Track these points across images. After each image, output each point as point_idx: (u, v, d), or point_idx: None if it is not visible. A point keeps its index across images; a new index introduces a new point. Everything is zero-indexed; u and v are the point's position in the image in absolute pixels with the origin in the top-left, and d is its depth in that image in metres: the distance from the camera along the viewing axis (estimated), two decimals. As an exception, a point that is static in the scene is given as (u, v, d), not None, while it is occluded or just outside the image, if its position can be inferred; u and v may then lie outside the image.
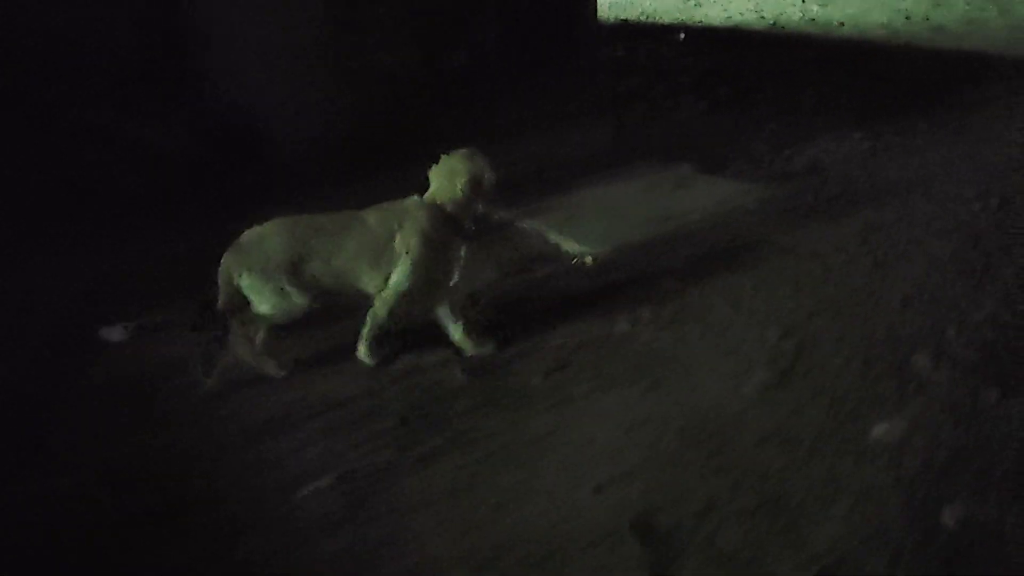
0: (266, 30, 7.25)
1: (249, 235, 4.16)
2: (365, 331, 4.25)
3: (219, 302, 4.14)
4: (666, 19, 14.02)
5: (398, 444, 3.77)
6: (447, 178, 4.13)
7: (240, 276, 4.10)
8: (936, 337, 4.33)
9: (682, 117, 8.44)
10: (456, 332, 4.35)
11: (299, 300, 4.16)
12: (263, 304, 4.14)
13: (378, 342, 4.30)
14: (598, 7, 9.72)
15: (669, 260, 5.33)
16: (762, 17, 13.64)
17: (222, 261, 4.14)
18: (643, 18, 14.12)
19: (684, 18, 14.04)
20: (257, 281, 4.08)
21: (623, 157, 7.28)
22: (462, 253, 4.27)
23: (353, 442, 3.80)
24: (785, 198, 6.22)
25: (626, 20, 13.49)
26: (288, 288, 4.11)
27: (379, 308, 4.20)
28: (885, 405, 3.84)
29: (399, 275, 4.13)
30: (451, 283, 4.28)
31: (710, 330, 4.48)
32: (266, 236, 4.14)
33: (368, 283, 4.17)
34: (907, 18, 12.66)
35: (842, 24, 12.51)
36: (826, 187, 6.40)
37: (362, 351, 4.28)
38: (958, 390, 3.91)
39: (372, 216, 4.19)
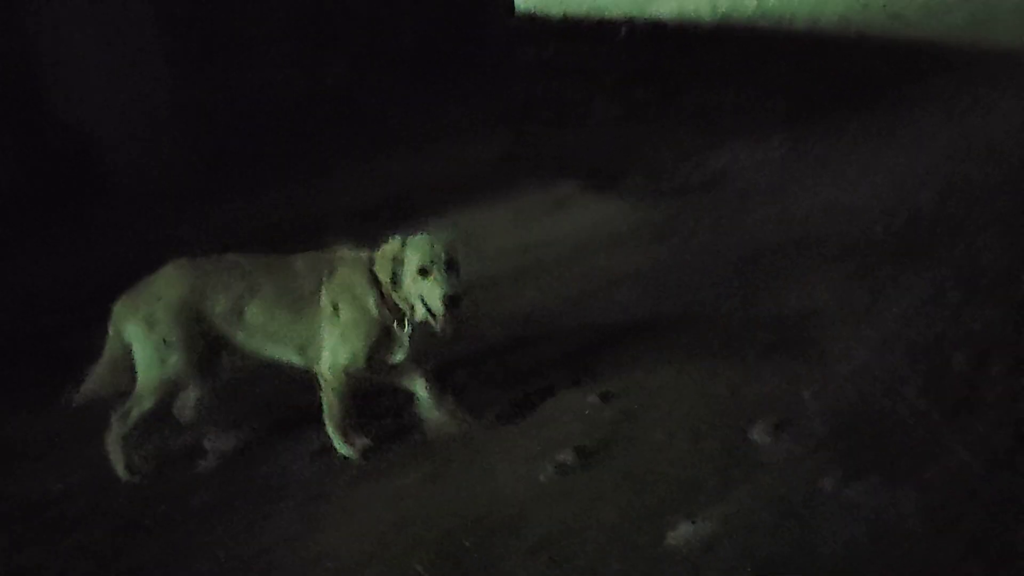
0: (124, 49, 6.58)
1: (148, 278, 3.49)
2: (329, 427, 3.49)
3: (101, 359, 3.50)
4: (615, 13, 13.26)
5: (101, 558, 3.11)
6: (385, 260, 3.39)
7: (126, 328, 3.42)
8: (787, 400, 3.62)
9: (592, 123, 7.72)
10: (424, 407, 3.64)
11: (178, 362, 3.39)
12: (142, 367, 3.41)
13: (349, 429, 3.52)
14: (516, 5, 9.01)
15: (506, 305, 4.63)
16: (715, 9, 12.86)
17: (113, 309, 3.47)
18: (590, 13, 13.36)
19: (635, 12, 13.27)
20: (141, 332, 3.38)
21: (509, 173, 6.58)
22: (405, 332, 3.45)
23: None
24: (665, 221, 5.51)
25: (565, 16, 12.70)
26: (172, 340, 3.36)
27: (327, 395, 3.45)
28: (701, 494, 3.15)
29: (331, 346, 3.39)
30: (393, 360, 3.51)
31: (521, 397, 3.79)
32: (162, 275, 3.46)
33: (284, 338, 3.44)
34: (864, 6, 11.86)
35: (792, 16, 11.73)
36: (717, 206, 5.69)
37: (341, 448, 3.50)
38: (794, 473, 3.22)
39: (300, 261, 3.48)
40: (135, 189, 6.29)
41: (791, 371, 3.83)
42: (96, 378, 3.51)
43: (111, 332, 3.48)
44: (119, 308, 3.45)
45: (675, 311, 4.45)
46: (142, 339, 3.39)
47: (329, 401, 3.43)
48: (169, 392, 3.50)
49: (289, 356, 3.48)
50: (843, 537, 2.88)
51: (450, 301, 3.20)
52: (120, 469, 3.45)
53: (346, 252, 3.50)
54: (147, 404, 3.43)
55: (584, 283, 4.80)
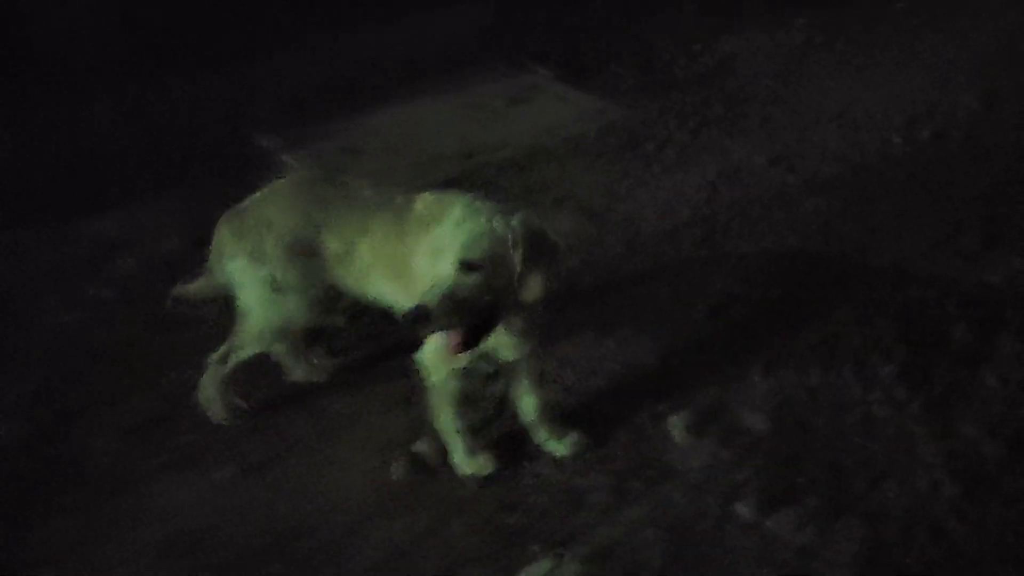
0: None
1: (257, 195, 2.74)
2: (452, 441, 2.62)
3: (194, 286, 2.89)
4: None
5: None
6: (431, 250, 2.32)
7: (227, 258, 2.70)
8: (726, 383, 2.87)
9: (587, -2, 6.61)
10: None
11: (291, 305, 2.69)
12: (246, 307, 2.74)
13: (475, 434, 2.67)
14: None
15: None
16: None
17: (217, 227, 2.74)
18: None
19: None
20: (246, 266, 2.66)
21: (482, 52, 5.62)
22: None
23: None
24: (642, 124, 4.59)
25: None
26: (286, 280, 2.63)
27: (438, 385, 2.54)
28: (582, 512, 2.47)
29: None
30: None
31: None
32: (273, 197, 2.69)
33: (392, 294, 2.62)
34: None
35: None
36: (710, 106, 4.73)
37: (464, 465, 2.62)
38: (708, 488, 2.51)
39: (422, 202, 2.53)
40: (50, 62, 5.54)
41: (741, 344, 3.05)
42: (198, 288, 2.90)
43: (213, 253, 2.76)
44: (223, 230, 2.70)
45: (618, 246, 3.65)
46: (248, 275, 2.67)
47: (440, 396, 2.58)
48: (278, 339, 2.83)
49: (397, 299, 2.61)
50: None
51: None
52: (217, 412, 2.86)
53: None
54: (249, 352, 2.78)
55: (522, 203, 3.98)
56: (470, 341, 2.17)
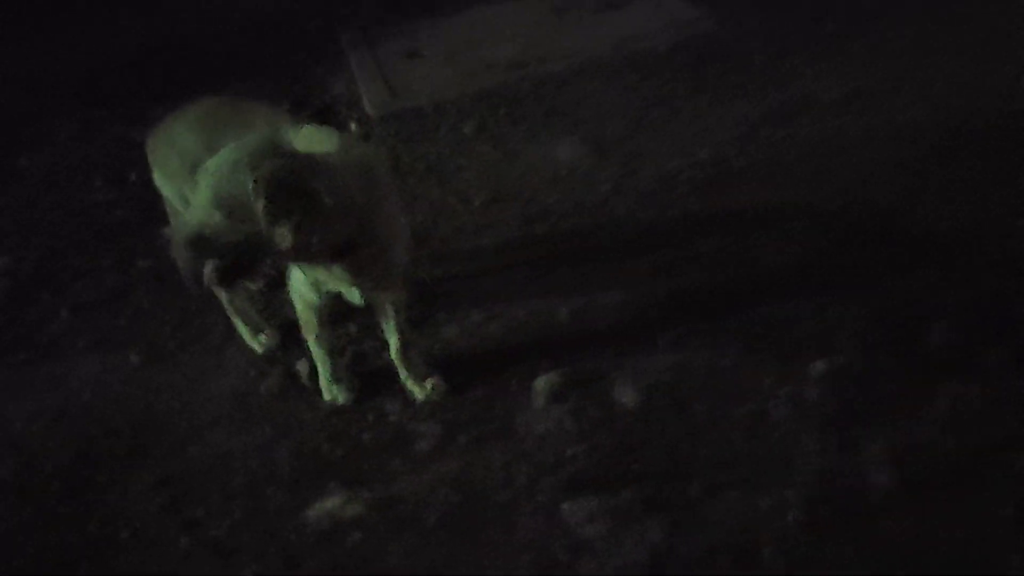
0: None
1: (179, 111, 2.76)
2: (320, 365, 2.67)
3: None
4: None
5: None
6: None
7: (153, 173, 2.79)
8: (611, 353, 2.64)
9: None
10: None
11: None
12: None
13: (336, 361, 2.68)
14: None
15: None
16: None
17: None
18: None
19: None
20: (159, 177, 2.76)
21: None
22: None
23: None
24: (726, 43, 4.10)
25: None
26: (190, 197, 2.55)
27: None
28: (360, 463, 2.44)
29: None
30: None
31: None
32: (184, 115, 2.71)
33: None
34: None
35: None
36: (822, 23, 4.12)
37: (324, 391, 2.67)
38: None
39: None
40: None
41: (668, 309, 2.76)
42: None
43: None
44: (147, 146, 2.78)
45: (605, 185, 3.37)
46: (164, 190, 2.76)
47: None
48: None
49: None
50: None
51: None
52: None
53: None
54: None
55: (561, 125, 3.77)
56: (226, 276, 2.12)
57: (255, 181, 1.98)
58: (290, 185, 2.01)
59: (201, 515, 2.37)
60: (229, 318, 2.89)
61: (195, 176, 2.41)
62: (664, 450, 2.34)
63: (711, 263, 2.91)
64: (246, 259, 2.09)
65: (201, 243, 2.04)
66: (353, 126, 4.00)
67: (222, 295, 2.81)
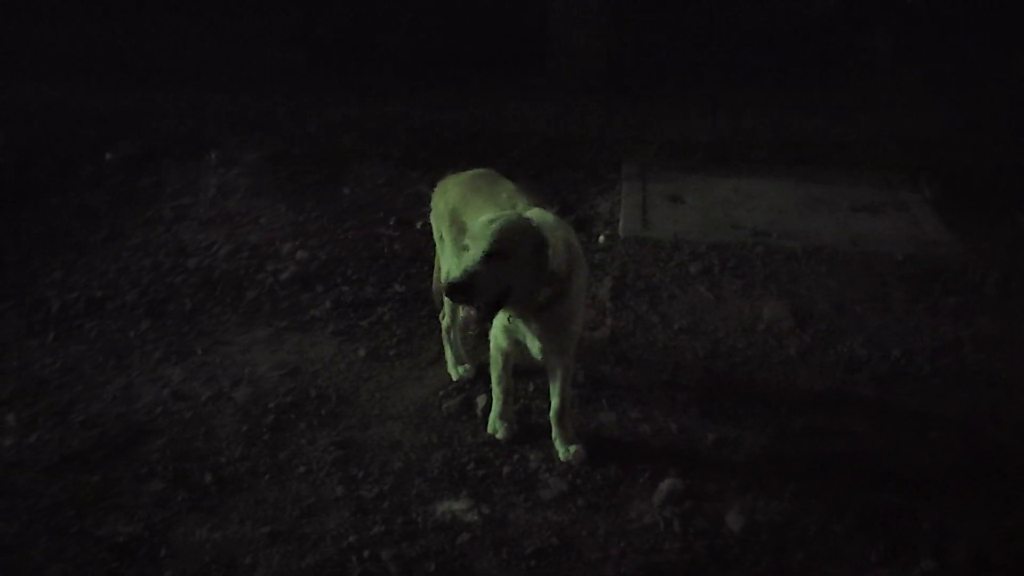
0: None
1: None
2: (495, 401, 3.13)
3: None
4: None
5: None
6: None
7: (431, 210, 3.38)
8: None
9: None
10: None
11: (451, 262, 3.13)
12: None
13: (508, 404, 3.15)
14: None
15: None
16: None
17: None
18: None
19: None
20: (433, 221, 3.36)
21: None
22: None
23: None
24: (963, 269, 4.22)
25: None
26: (445, 238, 3.25)
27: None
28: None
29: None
30: None
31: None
32: (458, 178, 3.32)
33: None
34: None
35: None
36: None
37: (490, 423, 3.15)
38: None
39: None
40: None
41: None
42: None
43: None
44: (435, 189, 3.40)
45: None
46: (434, 226, 3.37)
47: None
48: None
49: None
50: None
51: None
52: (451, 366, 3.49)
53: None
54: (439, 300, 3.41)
55: (775, 290, 4.11)
56: (484, 318, 2.65)
57: (518, 235, 2.56)
58: (538, 242, 2.58)
59: (360, 476, 2.92)
60: (443, 345, 3.48)
61: (449, 218, 3.11)
62: (749, 577, 2.53)
63: (857, 443, 3.06)
64: (497, 305, 2.62)
65: (467, 288, 2.54)
66: (601, 239, 4.57)
67: (442, 325, 3.42)
